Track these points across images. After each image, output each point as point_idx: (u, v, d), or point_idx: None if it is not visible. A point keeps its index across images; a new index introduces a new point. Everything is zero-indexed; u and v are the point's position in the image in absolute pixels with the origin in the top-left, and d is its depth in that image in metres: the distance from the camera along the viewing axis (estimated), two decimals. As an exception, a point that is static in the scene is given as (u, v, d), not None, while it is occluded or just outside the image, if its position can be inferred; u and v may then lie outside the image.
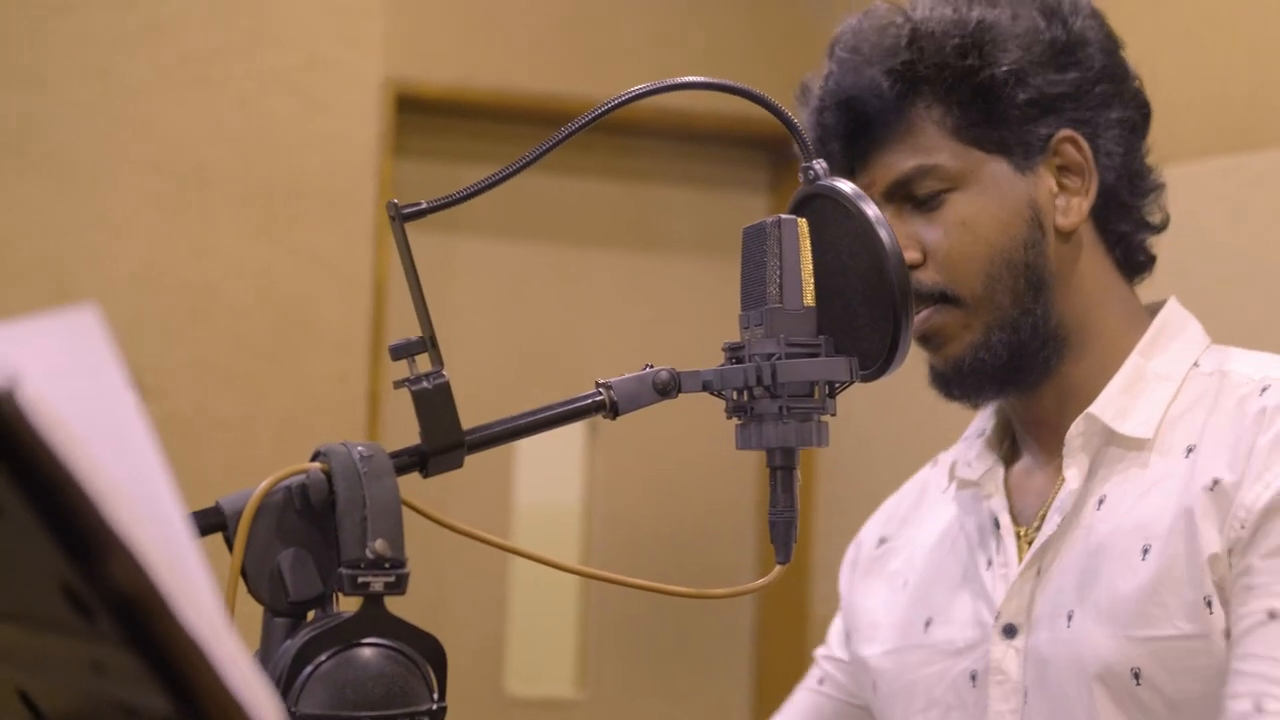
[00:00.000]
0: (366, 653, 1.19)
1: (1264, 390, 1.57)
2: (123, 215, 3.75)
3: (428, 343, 1.38)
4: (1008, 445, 1.74)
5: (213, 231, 3.80)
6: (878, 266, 1.36)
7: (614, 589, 4.44)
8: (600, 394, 1.43)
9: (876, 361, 1.38)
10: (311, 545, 1.29)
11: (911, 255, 1.62)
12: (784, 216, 1.40)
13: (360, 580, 1.21)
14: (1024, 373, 1.65)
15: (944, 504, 1.79)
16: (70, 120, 3.73)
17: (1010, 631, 1.64)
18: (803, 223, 1.39)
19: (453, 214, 4.27)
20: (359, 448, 1.28)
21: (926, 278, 1.63)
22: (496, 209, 4.31)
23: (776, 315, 1.39)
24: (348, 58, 3.87)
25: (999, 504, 1.70)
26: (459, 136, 4.29)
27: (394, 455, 1.34)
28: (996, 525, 1.69)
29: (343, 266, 3.85)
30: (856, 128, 1.66)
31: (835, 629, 1.90)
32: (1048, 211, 1.65)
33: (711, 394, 1.43)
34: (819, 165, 1.43)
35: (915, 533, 1.81)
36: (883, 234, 1.36)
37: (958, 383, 1.65)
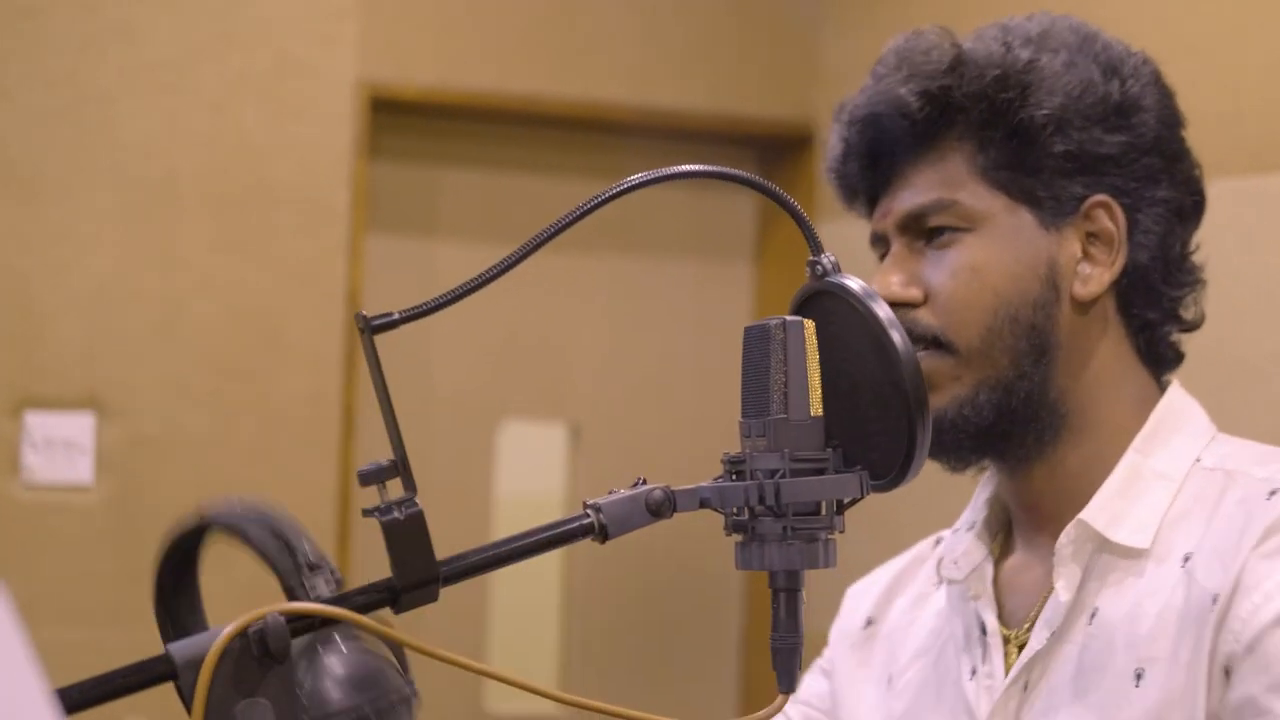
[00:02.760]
0: (332, 655, 1.22)
1: (1271, 494, 1.47)
2: (88, 226, 3.65)
3: (399, 466, 1.28)
4: (1001, 538, 1.65)
5: (181, 243, 3.70)
6: (890, 372, 1.28)
7: (596, 602, 4.40)
8: (589, 516, 1.32)
9: (889, 472, 1.30)
10: (271, 694, 1.21)
11: (911, 293, 1.56)
12: (789, 319, 1.32)
13: (308, 584, 1.24)
14: (1010, 442, 1.56)
15: (936, 598, 1.69)
16: (34, 128, 3.62)
17: None
18: (810, 325, 1.32)
19: (433, 217, 4.21)
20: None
21: (924, 318, 1.55)
22: (477, 211, 4.22)
23: (781, 427, 1.31)
24: (320, 60, 3.76)
25: (986, 606, 1.60)
26: (436, 139, 4.21)
27: (362, 591, 1.29)
28: (984, 630, 1.60)
29: (316, 278, 3.74)
30: (880, 148, 1.59)
31: (816, 688, 1.79)
32: (1066, 276, 1.56)
33: (710, 509, 1.33)
34: (827, 259, 1.35)
35: (905, 626, 1.71)
36: (895, 337, 1.28)
37: (935, 440, 1.51)
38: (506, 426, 4.25)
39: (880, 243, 1.62)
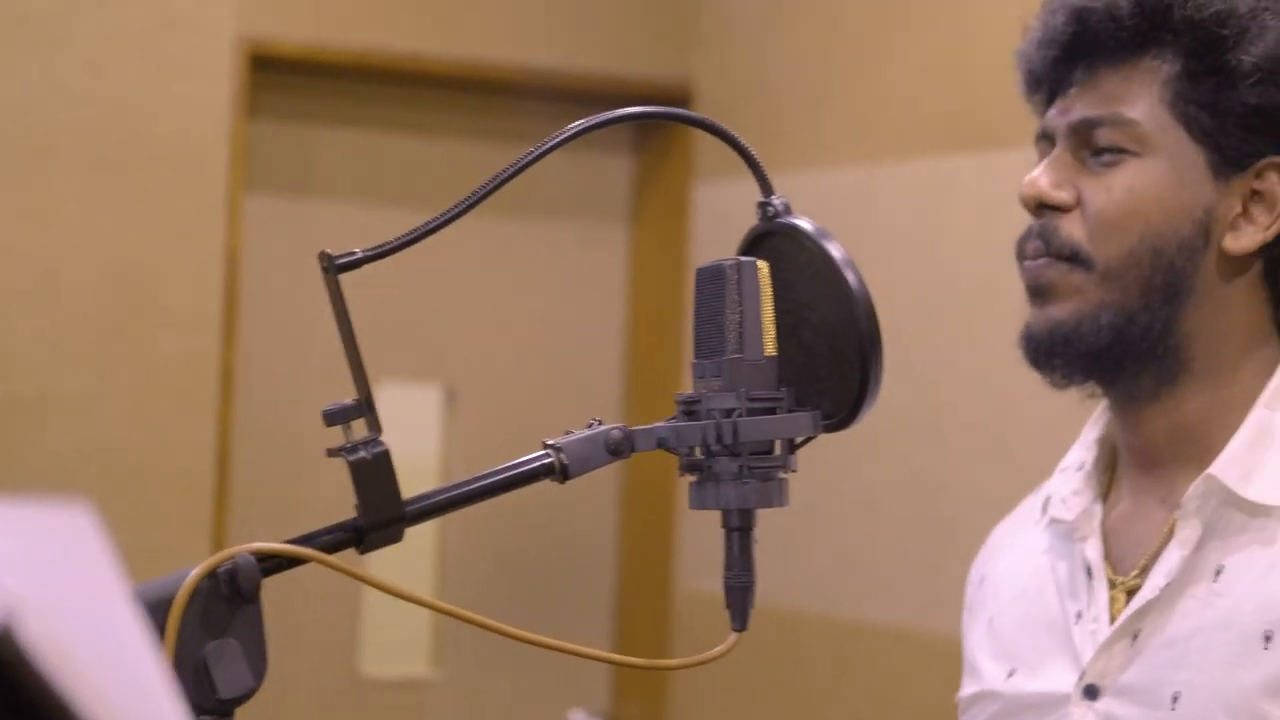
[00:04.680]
0: None
1: None
2: (-41, 184, 3.56)
3: (364, 406, 1.27)
4: (1107, 480, 1.62)
5: (57, 199, 3.63)
6: (844, 312, 1.29)
7: (470, 564, 4.38)
8: (549, 456, 1.31)
9: (840, 411, 1.31)
10: (239, 635, 1.20)
11: (1061, 196, 1.53)
12: (743, 259, 1.32)
13: None
14: (1122, 373, 1.54)
15: (1035, 537, 1.66)
16: (-99, 82, 3.53)
17: (1092, 692, 1.53)
18: (764, 266, 1.32)
19: (310, 178, 4.17)
20: None
21: (1067, 227, 1.53)
22: (357, 171, 4.18)
23: (736, 367, 1.31)
24: (199, 16, 3.70)
25: (1094, 549, 1.58)
26: (317, 98, 4.17)
27: (328, 530, 1.27)
28: (1089, 574, 1.57)
29: (194, 237, 3.70)
30: (1079, 43, 1.55)
31: None
32: (1221, 227, 1.53)
33: (666, 450, 1.33)
34: (779, 201, 1.36)
35: (1005, 567, 1.69)
36: (850, 276, 1.29)
37: (1046, 348, 1.54)
38: (382, 388, 4.21)
39: (1045, 141, 1.58)
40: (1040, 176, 1.54)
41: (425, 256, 4.23)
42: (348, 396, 1.31)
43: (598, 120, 1.41)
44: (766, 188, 1.37)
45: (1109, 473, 1.63)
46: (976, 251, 3.57)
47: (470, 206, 1.33)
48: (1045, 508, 1.64)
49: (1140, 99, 1.53)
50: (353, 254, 1.28)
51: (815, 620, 3.88)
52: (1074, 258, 1.52)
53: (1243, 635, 1.46)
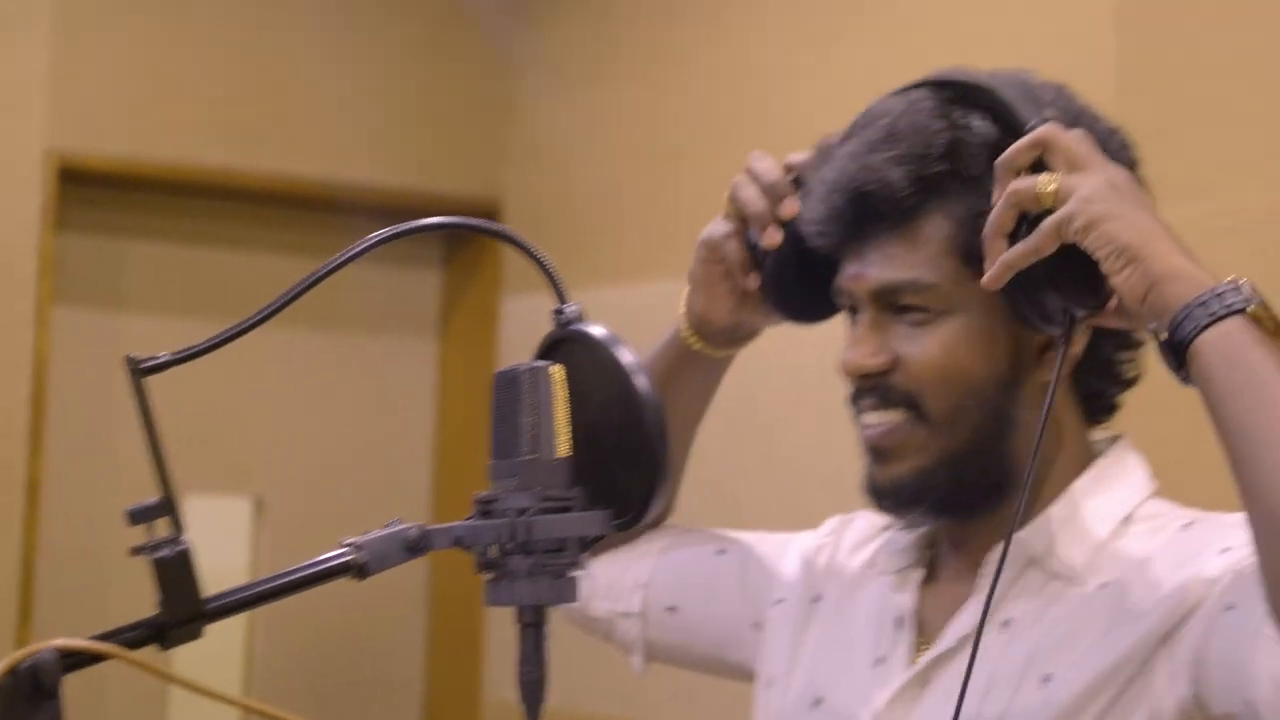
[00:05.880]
0: None
1: (1187, 526, 1.55)
2: None
3: (167, 505, 1.30)
4: (930, 554, 1.69)
5: None
6: (633, 415, 1.34)
7: (277, 671, 4.35)
8: (349, 554, 1.35)
9: (630, 510, 1.36)
10: None
11: (880, 360, 1.57)
12: (537, 364, 1.37)
13: None
14: (962, 509, 1.60)
15: (868, 582, 1.72)
16: None
17: None
18: (558, 370, 1.37)
19: (119, 290, 4.15)
20: None
21: (896, 382, 1.57)
22: (166, 284, 4.17)
23: (531, 467, 1.36)
24: (9, 128, 3.70)
25: (907, 604, 1.65)
26: (126, 210, 4.16)
27: (132, 627, 1.28)
28: (899, 624, 1.65)
29: (2, 348, 3.67)
30: (863, 217, 1.57)
31: (757, 547, 1.85)
32: (1029, 355, 1.58)
33: (462, 549, 1.38)
34: (570, 309, 1.41)
35: (836, 605, 1.75)
36: (639, 381, 1.34)
37: (892, 499, 1.60)
38: (190, 501, 4.19)
39: (846, 296, 1.61)
40: (856, 350, 1.59)
41: (235, 368, 4.27)
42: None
43: (399, 229, 1.45)
44: (561, 295, 1.42)
45: (931, 548, 1.70)
46: (772, 363, 3.65)
47: (276, 310, 1.36)
48: (877, 556, 1.72)
49: (933, 260, 1.56)
50: (157, 357, 1.31)
51: (620, 727, 3.90)
52: (913, 405, 1.57)
53: (1021, 675, 1.54)
